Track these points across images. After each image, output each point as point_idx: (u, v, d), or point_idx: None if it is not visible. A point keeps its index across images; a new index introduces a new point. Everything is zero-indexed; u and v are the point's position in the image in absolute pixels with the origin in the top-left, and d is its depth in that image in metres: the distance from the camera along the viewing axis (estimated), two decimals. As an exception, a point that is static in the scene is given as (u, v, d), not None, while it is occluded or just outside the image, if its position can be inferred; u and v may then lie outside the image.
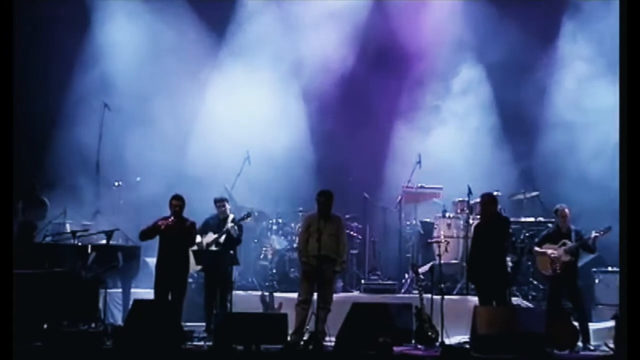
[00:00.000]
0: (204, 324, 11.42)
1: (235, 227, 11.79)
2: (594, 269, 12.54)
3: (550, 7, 14.63)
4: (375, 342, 9.92)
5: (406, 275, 13.27)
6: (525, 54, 14.37)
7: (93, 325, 10.89)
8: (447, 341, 10.76)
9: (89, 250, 11.68)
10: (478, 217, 12.21)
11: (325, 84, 14.80)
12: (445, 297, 11.37)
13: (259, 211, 13.69)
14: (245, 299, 12.26)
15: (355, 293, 13.09)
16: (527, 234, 13.04)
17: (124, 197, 13.86)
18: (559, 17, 14.54)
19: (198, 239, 11.64)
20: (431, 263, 12.46)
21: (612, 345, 10.24)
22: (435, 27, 14.75)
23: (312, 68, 14.79)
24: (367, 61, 14.93)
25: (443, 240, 12.70)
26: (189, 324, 11.27)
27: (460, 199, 13.45)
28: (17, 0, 9.25)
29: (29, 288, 10.24)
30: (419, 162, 13.55)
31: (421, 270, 12.20)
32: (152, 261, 11.72)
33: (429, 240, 13.10)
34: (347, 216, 12.99)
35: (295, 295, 11.26)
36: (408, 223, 13.82)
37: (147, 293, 11.51)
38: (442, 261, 12.02)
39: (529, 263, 12.74)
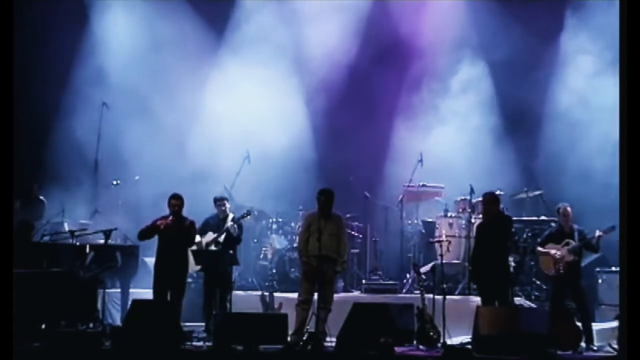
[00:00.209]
0: (203, 324, 11.42)
1: (235, 226, 11.79)
2: (597, 269, 12.54)
3: (553, 3, 14.63)
4: (376, 342, 9.92)
5: (408, 275, 13.27)
6: (528, 51, 14.35)
7: (91, 325, 10.91)
8: (449, 342, 10.75)
9: (87, 250, 11.67)
10: (480, 216, 12.21)
11: (326, 83, 14.81)
12: (447, 297, 11.35)
13: (258, 210, 13.69)
14: (245, 299, 12.26)
15: (356, 293, 13.09)
16: (529, 234, 13.05)
17: (123, 196, 13.86)
18: (561, 14, 14.54)
19: (197, 238, 11.65)
20: (433, 263, 12.47)
21: (615, 346, 10.25)
22: (437, 25, 14.75)
23: (313, 66, 14.80)
24: (368, 60, 14.93)
25: (445, 240, 12.70)
26: (188, 324, 11.26)
27: (462, 198, 13.45)
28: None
29: (27, 288, 10.23)
30: (421, 161, 13.55)
31: (423, 270, 12.20)
32: (150, 261, 11.72)
33: (431, 240, 13.11)
34: (347, 215, 12.99)
35: (295, 295, 11.26)
36: (409, 222, 13.82)
37: (146, 293, 11.49)
38: (444, 261, 12.03)
39: (532, 263, 12.74)
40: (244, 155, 14.01)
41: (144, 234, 11.24)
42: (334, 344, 10.46)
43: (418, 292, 11.52)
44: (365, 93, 14.93)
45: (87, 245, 11.82)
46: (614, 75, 12.26)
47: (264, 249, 13.53)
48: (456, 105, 14.64)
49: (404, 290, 12.99)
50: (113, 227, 11.88)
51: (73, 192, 13.71)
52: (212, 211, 12.13)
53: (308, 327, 10.87)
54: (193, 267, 11.63)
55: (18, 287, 8.81)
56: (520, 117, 14.52)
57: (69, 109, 14.50)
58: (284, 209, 14.03)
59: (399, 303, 11.52)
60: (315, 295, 10.93)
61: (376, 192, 14.33)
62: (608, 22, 13.18)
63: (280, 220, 13.82)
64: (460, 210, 13.48)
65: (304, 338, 10.68)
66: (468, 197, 13.22)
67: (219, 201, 12.09)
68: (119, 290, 12.17)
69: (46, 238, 12.13)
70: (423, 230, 13.76)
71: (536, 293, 12.86)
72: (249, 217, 12.21)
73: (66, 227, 12.80)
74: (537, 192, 13.58)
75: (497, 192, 11.67)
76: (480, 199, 12.02)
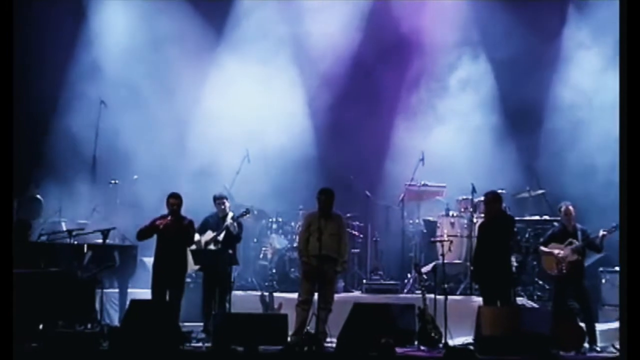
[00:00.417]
0: (202, 324, 11.42)
1: (235, 224, 11.79)
2: (601, 269, 12.52)
3: (554, 1, 14.64)
4: (377, 343, 9.89)
5: (409, 275, 13.27)
6: (529, 49, 14.33)
7: (89, 326, 10.89)
8: (450, 342, 10.77)
9: (85, 250, 11.67)
10: (482, 215, 12.22)
11: (327, 81, 14.80)
12: (449, 297, 11.34)
13: (258, 210, 13.69)
14: (245, 299, 12.26)
15: (357, 293, 13.09)
16: (532, 233, 13.04)
17: (121, 195, 13.85)
18: (563, 11, 14.53)
19: (197, 237, 11.65)
20: (434, 262, 12.45)
21: (619, 347, 10.24)
22: (439, 23, 14.74)
23: (314, 64, 14.79)
24: (369, 58, 14.91)
25: (446, 240, 12.68)
26: (187, 325, 11.26)
27: (464, 197, 13.44)
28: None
29: (24, 288, 10.22)
30: (422, 160, 13.55)
31: (424, 269, 12.19)
32: (149, 260, 11.73)
33: (432, 240, 13.10)
34: (348, 215, 12.98)
35: (295, 295, 11.26)
36: (411, 222, 13.82)
37: (145, 293, 11.49)
38: (445, 261, 11.99)
39: (534, 263, 12.74)
40: (243, 154, 14.00)
41: (143, 234, 11.24)
42: (334, 345, 10.46)
43: (419, 292, 11.53)
44: (366, 92, 14.93)
45: (85, 245, 11.81)
46: (617, 72, 12.25)
47: (263, 248, 13.52)
48: (458, 104, 14.63)
49: (405, 291, 12.99)
50: (111, 226, 11.86)
51: (71, 191, 13.71)
52: (211, 210, 12.13)
53: (308, 328, 10.87)
54: (192, 266, 11.62)
55: (15, 287, 8.80)
56: (522, 115, 14.50)
57: (66, 107, 14.48)
58: (284, 208, 14.03)
59: (400, 303, 11.51)
60: (316, 296, 10.93)
61: (377, 191, 14.33)
62: (610, 18, 13.16)
63: (280, 219, 13.82)
64: (462, 209, 13.47)
65: (304, 339, 10.69)
66: (470, 197, 13.22)
67: (218, 200, 12.09)
68: (117, 290, 12.18)
69: (43, 238, 12.11)
70: (424, 230, 13.75)
71: (539, 293, 12.85)
72: (248, 215, 12.21)
73: (64, 227, 12.79)
74: (540, 191, 13.57)
75: (499, 191, 11.64)
76: (482, 198, 12.02)
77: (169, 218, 11.09)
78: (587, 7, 14.25)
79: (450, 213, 13.45)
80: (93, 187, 13.93)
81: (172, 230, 11.04)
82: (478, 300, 11.45)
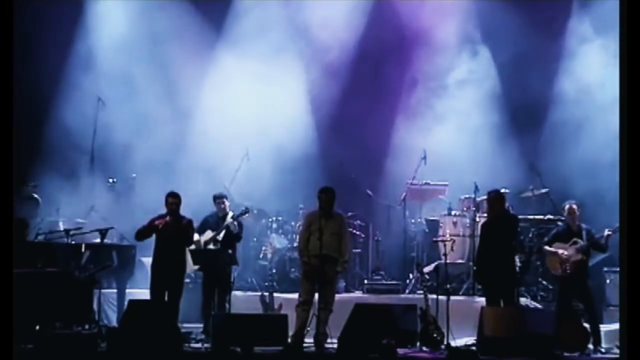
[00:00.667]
0: (201, 325, 11.42)
1: (235, 223, 11.79)
2: (605, 269, 12.51)
3: (557, -3, 14.69)
4: (378, 344, 9.92)
5: (411, 275, 13.26)
6: (532, 46, 14.33)
7: (87, 326, 10.91)
8: (452, 343, 10.76)
9: (83, 249, 11.66)
10: (485, 215, 12.20)
11: (328, 79, 14.78)
12: (451, 297, 11.37)
13: (258, 209, 13.69)
14: (244, 300, 12.28)
15: (358, 293, 13.09)
16: (535, 233, 13.03)
17: (119, 194, 13.84)
18: (567, 7, 14.52)
19: (196, 237, 11.64)
20: (436, 262, 12.47)
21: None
22: (441, 19, 14.74)
23: (314, 62, 14.78)
24: (371, 55, 14.91)
25: (449, 239, 12.67)
26: (186, 326, 11.27)
27: (467, 196, 13.44)
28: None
29: (21, 288, 10.20)
30: (424, 158, 13.53)
31: (426, 270, 12.20)
32: (147, 260, 11.73)
33: (434, 239, 13.09)
34: (349, 214, 12.97)
35: (295, 295, 11.25)
36: (413, 221, 13.81)
37: (143, 293, 11.50)
38: (447, 260, 12.02)
39: (538, 262, 12.73)
40: (243, 152, 14.00)
41: (142, 234, 11.24)
42: (335, 346, 10.46)
43: (421, 292, 11.52)
44: (368, 89, 14.92)
45: (83, 245, 11.80)
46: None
47: (263, 248, 13.51)
48: (460, 102, 14.61)
49: (407, 291, 12.98)
50: (109, 225, 11.86)
51: (68, 190, 13.69)
52: (210, 209, 12.12)
53: (309, 329, 10.86)
54: (191, 266, 11.63)
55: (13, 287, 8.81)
56: (525, 112, 14.49)
57: (64, 104, 14.46)
58: (284, 207, 14.02)
59: (402, 304, 11.52)
60: (316, 296, 10.92)
61: (378, 190, 14.32)
62: (615, 11, 13.12)
63: (280, 219, 13.81)
64: (465, 208, 13.47)
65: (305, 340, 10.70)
66: (472, 196, 13.22)
67: (218, 199, 12.10)
68: (115, 290, 12.17)
69: (41, 237, 12.11)
70: (426, 229, 13.74)
71: (542, 293, 12.85)
72: (247, 214, 12.21)
73: (61, 226, 12.78)
74: (543, 190, 13.54)
75: (503, 190, 11.64)
76: (485, 197, 12.01)
77: (168, 218, 11.08)
78: (591, 2, 14.23)
79: (453, 212, 13.45)
80: (91, 186, 13.91)
81: (171, 230, 11.04)
82: (481, 300, 11.45)
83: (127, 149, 14.29)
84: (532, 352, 9.73)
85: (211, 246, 11.84)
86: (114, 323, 11.62)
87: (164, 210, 11.20)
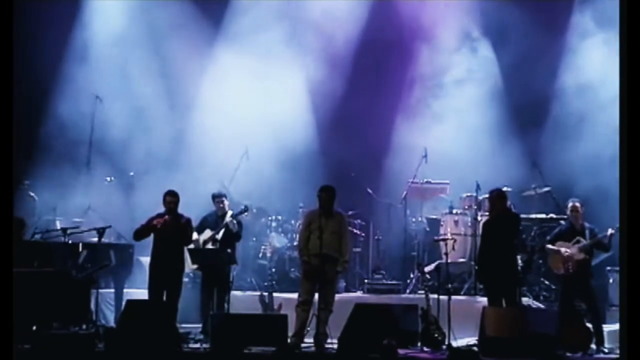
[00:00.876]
0: (200, 325, 11.41)
1: (234, 222, 11.78)
2: (609, 268, 12.48)
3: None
4: (379, 344, 9.92)
5: (411, 275, 13.26)
6: (534, 43, 14.32)
7: (84, 326, 10.89)
8: (454, 343, 10.76)
9: (80, 249, 11.66)
10: (487, 213, 12.20)
11: (327, 77, 14.76)
12: (453, 297, 11.37)
13: (257, 208, 13.69)
14: (244, 300, 12.28)
15: (358, 293, 13.08)
16: (538, 232, 13.04)
17: (117, 193, 13.83)
18: (568, 2, 14.53)
19: (195, 236, 11.63)
20: (437, 262, 12.47)
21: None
22: (443, 15, 14.73)
23: (314, 59, 14.76)
24: (371, 53, 14.92)
25: (450, 238, 12.65)
26: (184, 326, 11.26)
27: (468, 194, 13.44)
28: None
29: (18, 288, 10.19)
30: (425, 157, 13.52)
31: (427, 269, 12.20)
32: (146, 260, 11.70)
33: (436, 238, 13.07)
34: (349, 213, 12.97)
35: (295, 295, 11.24)
36: (413, 220, 13.81)
37: (141, 293, 11.49)
38: (449, 260, 12.00)
39: (540, 262, 12.72)
40: (242, 150, 13.99)
41: (140, 234, 11.22)
42: (335, 346, 10.45)
43: (422, 292, 11.53)
44: (368, 88, 14.90)
45: (80, 244, 11.81)
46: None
47: (263, 247, 13.51)
48: (460, 101, 14.60)
49: (408, 291, 12.98)
50: (107, 224, 11.85)
51: (65, 188, 13.69)
52: (209, 208, 12.12)
53: (309, 329, 10.86)
54: (190, 266, 11.62)
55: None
56: (527, 110, 14.48)
57: (60, 101, 14.45)
58: (284, 206, 14.01)
59: (403, 304, 11.51)
60: (316, 296, 10.91)
61: (379, 188, 14.31)
62: (616, 7, 13.09)
63: (279, 217, 13.80)
64: (466, 207, 13.46)
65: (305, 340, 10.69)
66: (474, 194, 13.22)
67: (217, 198, 12.09)
68: (112, 290, 12.16)
69: (37, 236, 12.10)
70: (427, 228, 13.73)
71: (545, 293, 12.85)
72: (247, 213, 12.21)
73: (58, 225, 12.79)
74: (546, 189, 13.53)
75: (504, 189, 11.63)
76: (486, 195, 12.02)
77: (166, 217, 11.06)
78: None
79: (454, 211, 13.45)
80: (88, 185, 13.90)
81: (169, 229, 11.02)
82: (482, 300, 11.45)
83: (125, 147, 14.29)
84: (535, 352, 9.72)
85: (210, 245, 11.84)
86: (112, 323, 11.60)
87: (162, 209, 11.18)
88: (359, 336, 10.30)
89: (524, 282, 12.00)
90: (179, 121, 14.73)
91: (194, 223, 11.60)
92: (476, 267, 11.87)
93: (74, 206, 13.48)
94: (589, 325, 10.93)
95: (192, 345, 10.82)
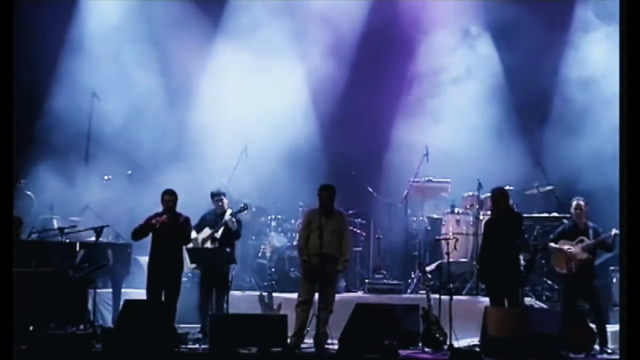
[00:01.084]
0: (198, 325, 11.40)
1: (234, 220, 11.77)
2: (612, 268, 12.46)
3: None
4: (380, 345, 9.92)
5: (412, 275, 13.25)
6: (537, 40, 14.29)
7: (82, 327, 10.92)
8: (455, 344, 10.75)
9: (78, 248, 11.67)
10: (489, 212, 12.18)
11: (327, 74, 14.75)
12: (454, 297, 11.34)
13: (257, 206, 13.68)
14: (243, 300, 12.28)
15: (359, 293, 13.07)
16: (540, 231, 13.02)
17: (114, 191, 13.82)
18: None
19: (193, 235, 11.62)
20: (439, 261, 12.46)
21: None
22: (442, 13, 14.73)
23: (315, 56, 14.75)
24: (372, 50, 14.90)
25: (452, 238, 12.66)
26: (183, 326, 11.25)
27: (470, 193, 13.43)
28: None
29: (15, 288, 10.19)
30: (427, 155, 13.51)
31: (428, 269, 12.19)
32: (144, 259, 11.69)
33: (437, 238, 13.07)
34: (350, 212, 12.97)
35: (295, 295, 11.23)
36: (414, 219, 13.79)
37: (139, 293, 11.49)
38: (450, 259, 12.00)
39: (543, 262, 12.71)
40: (242, 148, 13.98)
41: (138, 234, 11.19)
42: (335, 347, 10.44)
43: (423, 292, 11.52)
44: (369, 86, 14.88)
45: (77, 243, 11.81)
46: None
47: (262, 247, 13.49)
48: (462, 99, 14.58)
49: (409, 291, 12.97)
50: (104, 224, 11.84)
51: (62, 187, 13.67)
52: (207, 207, 12.10)
53: (309, 329, 10.85)
54: (188, 265, 11.61)
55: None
56: (530, 108, 14.48)
57: (57, 98, 14.43)
58: (284, 205, 14.00)
59: (404, 304, 11.52)
60: (316, 296, 10.90)
61: (380, 187, 14.29)
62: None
63: (279, 216, 13.79)
64: (468, 206, 13.45)
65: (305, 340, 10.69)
66: (476, 193, 13.21)
67: (216, 196, 12.08)
68: (110, 290, 12.17)
69: (34, 236, 12.11)
70: (429, 228, 13.72)
71: (547, 293, 12.83)
72: (246, 211, 12.20)
73: (55, 224, 12.78)
74: (549, 188, 13.53)
75: (507, 187, 11.61)
76: (488, 194, 11.99)
77: (165, 216, 11.04)
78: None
79: (456, 210, 13.44)
80: (85, 183, 13.89)
81: (167, 228, 11.00)
82: (484, 300, 11.44)
83: (122, 145, 14.27)
84: (537, 353, 9.71)
85: (209, 244, 11.83)
86: (109, 323, 11.61)
87: (160, 208, 11.16)
88: (360, 336, 10.30)
89: (527, 281, 11.97)
90: (177, 119, 14.70)
91: (193, 222, 11.58)
92: (478, 267, 11.85)
93: (71, 205, 13.47)
94: (592, 325, 10.91)
95: (190, 346, 10.80)
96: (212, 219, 11.99)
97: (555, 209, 13.28)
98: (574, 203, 11.38)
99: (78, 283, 11.06)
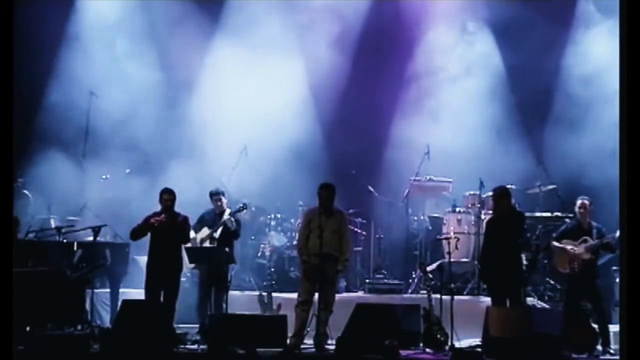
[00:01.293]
0: (197, 326, 11.40)
1: (233, 219, 11.76)
2: (614, 268, 12.46)
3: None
4: (380, 345, 9.91)
5: (413, 274, 13.26)
6: (538, 37, 14.29)
7: (79, 327, 10.92)
8: (457, 344, 10.76)
9: (75, 248, 11.66)
10: (490, 212, 12.18)
11: (327, 73, 14.74)
12: (455, 297, 11.33)
13: (256, 206, 13.68)
14: (242, 300, 12.28)
15: (359, 293, 13.08)
16: (543, 230, 13.00)
17: (112, 191, 13.82)
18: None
19: (192, 234, 11.62)
20: (440, 261, 12.45)
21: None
22: (442, 10, 14.73)
23: (315, 55, 14.75)
24: (372, 48, 14.90)
25: (453, 237, 12.66)
26: (181, 326, 11.27)
27: (472, 192, 13.42)
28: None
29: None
30: (428, 154, 13.51)
31: (429, 268, 12.18)
32: (142, 259, 11.69)
33: (438, 237, 13.08)
34: (350, 211, 12.96)
35: (295, 295, 11.24)
36: (415, 218, 13.79)
37: (137, 293, 11.47)
38: (451, 259, 12.02)
39: (545, 261, 12.71)
40: (241, 147, 13.98)
41: (137, 234, 11.18)
42: (335, 347, 10.43)
43: (424, 292, 11.52)
44: (368, 83, 14.88)
45: (75, 243, 11.81)
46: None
47: (262, 246, 13.49)
48: (463, 97, 14.57)
49: (410, 290, 12.97)
50: (102, 223, 11.84)
51: (60, 186, 13.67)
52: (207, 206, 12.10)
53: (308, 329, 10.85)
54: (187, 265, 11.60)
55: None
56: (531, 105, 14.47)
57: (56, 98, 14.43)
58: (283, 204, 13.99)
59: (405, 304, 11.55)
60: (316, 296, 10.90)
61: (380, 186, 14.29)
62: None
63: (279, 216, 13.79)
64: (469, 205, 13.45)
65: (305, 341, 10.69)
66: (477, 192, 13.21)
67: (215, 196, 12.07)
68: (108, 290, 12.17)
69: (31, 235, 12.09)
70: (430, 227, 13.72)
71: (550, 293, 12.83)
72: (245, 211, 12.20)
73: (52, 224, 12.78)
74: (551, 187, 13.52)
75: (509, 186, 11.60)
76: (490, 193, 11.98)
77: (163, 215, 11.04)
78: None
79: (457, 209, 13.43)
80: (83, 182, 13.89)
81: (166, 228, 11.00)
82: (486, 300, 11.44)
83: (121, 144, 14.27)
84: (539, 353, 9.70)
85: (208, 244, 11.82)
86: (107, 324, 11.62)
87: (158, 207, 11.15)
88: (360, 337, 10.29)
89: (529, 281, 11.96)
90: (176, 117, 14.69)
91: (192, 221, 11.57)
92: (479, 267, 11.85)
93: (69, 204, 13.47)
94: (595, 325, 10.91)
95: (189, 346, 10.82)
96: (211, 218, 11.98)
97: (558, 208, 13.27)
98: (579, 202, 11.36)
99: (76, 283, 11.06)
